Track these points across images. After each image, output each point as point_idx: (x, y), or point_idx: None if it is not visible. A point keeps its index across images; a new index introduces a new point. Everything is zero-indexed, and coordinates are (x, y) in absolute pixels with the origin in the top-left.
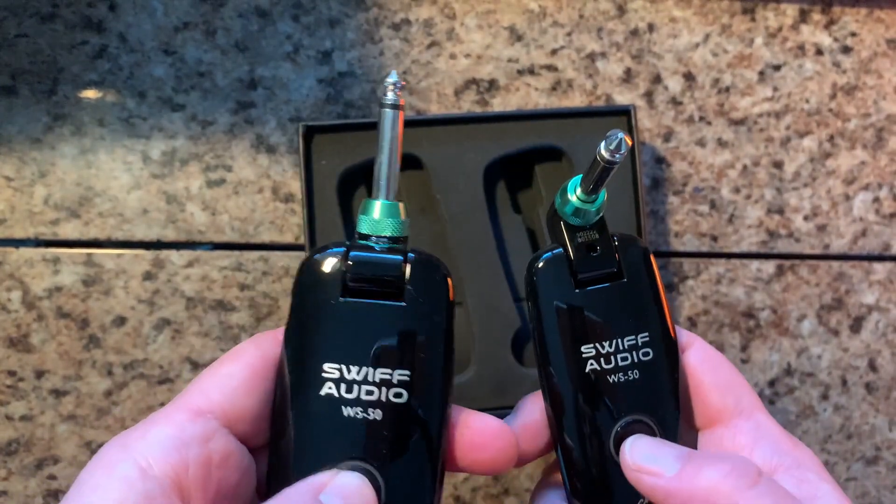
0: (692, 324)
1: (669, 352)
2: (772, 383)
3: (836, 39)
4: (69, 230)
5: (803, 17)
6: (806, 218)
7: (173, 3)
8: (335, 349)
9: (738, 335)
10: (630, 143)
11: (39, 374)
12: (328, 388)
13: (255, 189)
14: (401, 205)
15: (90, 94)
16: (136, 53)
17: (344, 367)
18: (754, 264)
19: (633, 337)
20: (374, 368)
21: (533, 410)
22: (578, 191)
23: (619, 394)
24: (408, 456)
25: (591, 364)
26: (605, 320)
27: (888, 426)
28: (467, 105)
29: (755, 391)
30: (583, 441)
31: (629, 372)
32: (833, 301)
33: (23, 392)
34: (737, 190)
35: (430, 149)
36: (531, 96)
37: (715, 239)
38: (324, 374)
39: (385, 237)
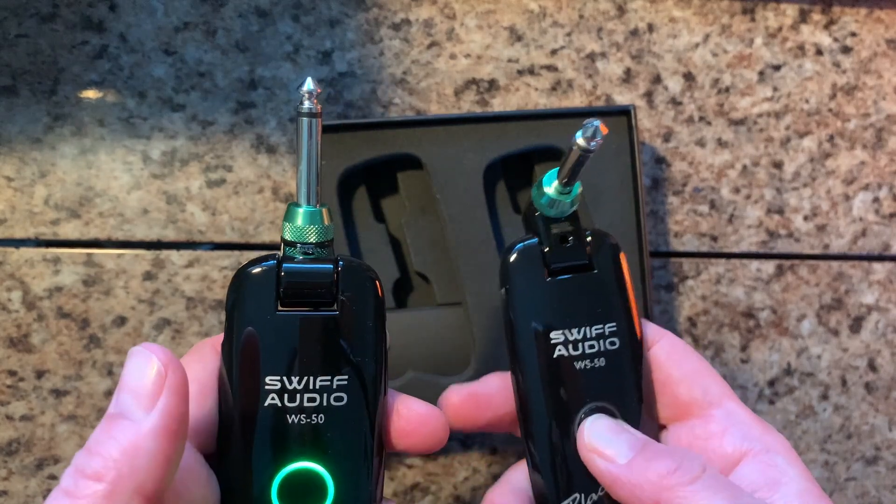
0: (692, 324)
1: (634, 344)
2: (772, 383)
3: (836, 39)
4: (69, 230)
5: (803, 17)
6: (806, 218)
7: (173, 4)
8: (275, 362)
9: (738, 335)
10: (606, 131)
11: (40, 374)
12: (271, 399)
13: (255, 189)
14: (324, 210)
15: (90, 94)
16: (136, 53)
17: (285, 378)
18: (754, 264)
19: (600, 326)
20: (314, 377)
21: (491, 382)
22: (555, 182)
23: (585, 380)
24: (351, 453)
25: (560, 350)
26: (574, 308)
27: (888, 426)
28: (467, 105)
29: (724, 380)
30: (548, 424)
31: (595, 359)
32: (833, 301)
33: (23, 392)
34: (737, 190)
35: (430, 149)
36: (531, 96)
37: (715, 239)
38: (266, 387)
39: (311, 243)
